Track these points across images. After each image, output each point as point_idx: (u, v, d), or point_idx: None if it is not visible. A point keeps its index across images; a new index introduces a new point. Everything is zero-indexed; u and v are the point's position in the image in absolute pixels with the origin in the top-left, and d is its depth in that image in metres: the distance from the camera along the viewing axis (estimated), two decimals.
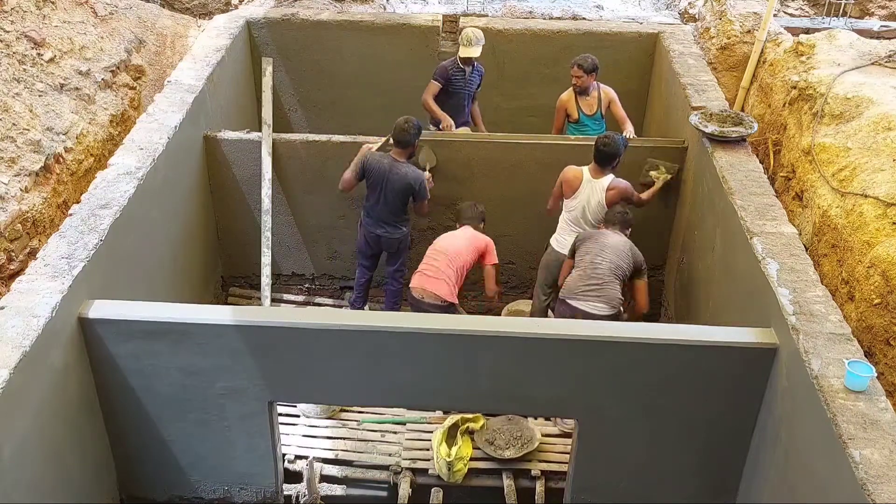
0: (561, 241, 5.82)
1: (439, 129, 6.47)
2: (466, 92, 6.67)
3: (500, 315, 6.28)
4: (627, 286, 5.41)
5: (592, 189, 5.61)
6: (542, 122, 7.33)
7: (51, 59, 5.61)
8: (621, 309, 5.33)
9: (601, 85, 6.54)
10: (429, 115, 6.58)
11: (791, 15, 7.51)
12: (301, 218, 6.50)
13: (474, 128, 6.94)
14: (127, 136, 5.41)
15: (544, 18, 7.76)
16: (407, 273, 6.02)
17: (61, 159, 5.20)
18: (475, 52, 6.46)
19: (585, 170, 5.64)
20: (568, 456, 5.03)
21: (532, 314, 6.09)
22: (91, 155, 5.52)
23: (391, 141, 5.74)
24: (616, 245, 5.33)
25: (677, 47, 6.94)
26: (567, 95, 6.56)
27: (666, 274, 6.53)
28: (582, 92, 6.47)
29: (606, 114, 6.59)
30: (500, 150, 6.18)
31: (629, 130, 6.39)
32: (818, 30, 6.50)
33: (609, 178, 5.61)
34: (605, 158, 5.57)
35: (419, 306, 5.50)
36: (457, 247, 5.58)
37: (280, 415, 5.19)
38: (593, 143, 5.62)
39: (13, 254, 4.60)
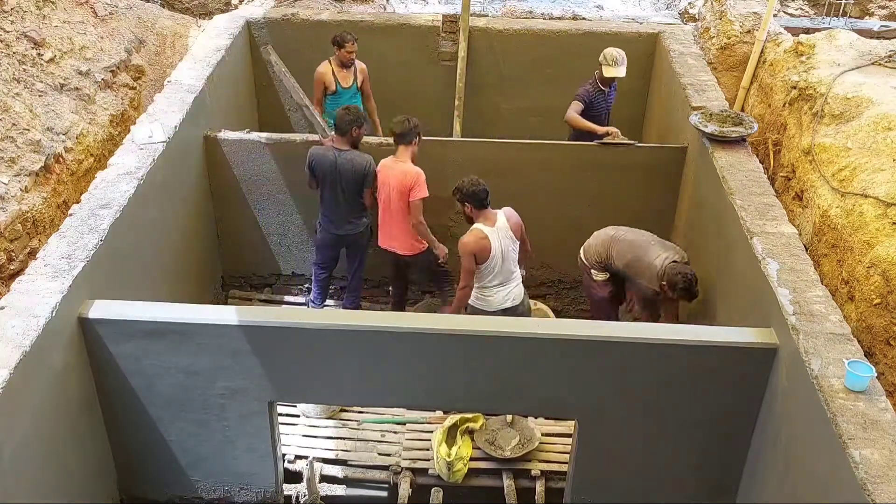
0: (485, 297, 5.26)
1: (602, 139, 6.18)
2: (606, 111, 6.64)
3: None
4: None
5: (499, 236, 5.13)
6: (543, 123, 7.33)
7: (51, 59, 5.61)
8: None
9: (356, 59, 6.75)
10: (573, 129, 6.50)
11: (791, 15, 7.51)
12: (301, 218, 6.49)
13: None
14: (127, 136, 5.41)
15: (544, 18, 7.76)
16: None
17: (61, 159, 5.20)
18: (621, 72, 6.38)
19: (480, 227, 5.09)
20: (568, 456, 5.03)
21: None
22: (91, 155, 5.52)
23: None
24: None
25: (677, 47, 6.94)
26: (325, 68, 6.73)
27: None
28: (346, 65, 6.67)
29: (361, 87, 6.84)
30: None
31: (373, 107, 6.88)
32: (818, 30, 6.49)
33: (501, 216, 5.18)
34: (482, 199, 5.06)
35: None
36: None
37: (280, 415, 5.19)
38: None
39: (13, 254, 4.60)
